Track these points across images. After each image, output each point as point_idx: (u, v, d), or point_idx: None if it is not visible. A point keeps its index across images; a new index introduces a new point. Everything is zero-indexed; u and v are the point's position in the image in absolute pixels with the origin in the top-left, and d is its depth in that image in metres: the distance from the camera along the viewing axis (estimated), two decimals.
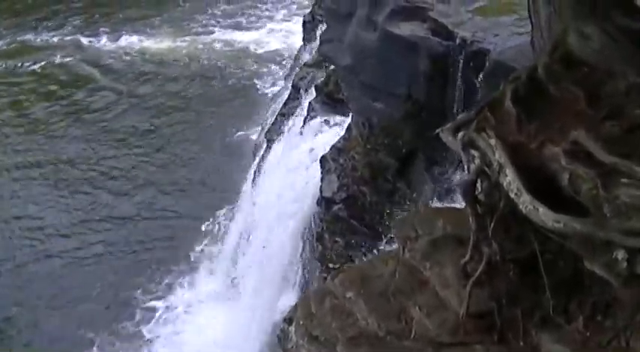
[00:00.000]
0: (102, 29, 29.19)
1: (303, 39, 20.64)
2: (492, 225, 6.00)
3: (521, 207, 5.60)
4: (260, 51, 27.15)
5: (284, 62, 25.01)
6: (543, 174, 5.79)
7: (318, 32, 17.90)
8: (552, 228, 5.40)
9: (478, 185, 6.21)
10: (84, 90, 25.62)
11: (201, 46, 27.60)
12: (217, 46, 27.61)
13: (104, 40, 28.51)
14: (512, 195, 5.71)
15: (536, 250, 5.81)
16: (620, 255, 5.12)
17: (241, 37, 28.08)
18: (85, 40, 28.51)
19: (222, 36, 28.25)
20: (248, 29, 28.68)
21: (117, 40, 28.40)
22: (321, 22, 18.02)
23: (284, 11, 29.57)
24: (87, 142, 23.12)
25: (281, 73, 24.41)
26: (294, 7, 29.45)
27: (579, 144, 5.68)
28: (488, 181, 6.09)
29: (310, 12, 20.53)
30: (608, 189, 5.30)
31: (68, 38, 28.72)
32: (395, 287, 6.44)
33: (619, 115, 5.99)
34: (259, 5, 30.33)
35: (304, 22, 20.77)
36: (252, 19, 29.39)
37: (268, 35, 28.13)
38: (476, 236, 6.08)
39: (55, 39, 28.69)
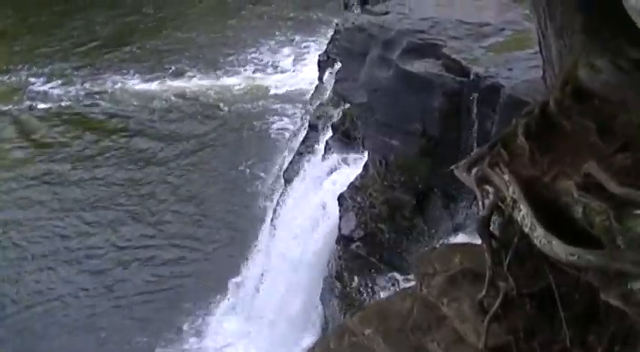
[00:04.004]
0: (123, 70, 29.44)
1: (319, 78, 20.76)
2: (508, 259, 6.03)
3: (535, 241, 5.62)
4: (276, 91, 27.36)
5: (300, 101, 25.10)
6: (557, 207, 5.82)
7: (333, 71, 18.02)
8: (567, 261, 5.42)
9: (493, 220, 6.24)
10: (98, 132, 25.81)
11: (224, 87, 27.77)
12: (234, 86, 27.81)
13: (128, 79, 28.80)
14: (526, 230, 5.74)
15: (552, 283, 5.83)
16: (635, 285, 5.13)
17: (257, 78, 28.28)
18: (114, 82, 28.77)
19: (245, 77, 28.45)
20: (264, 70, 28.88)
21: (126, 80, 28.68)
22: (335, 61, 18.13)
23: (299, 51, 29.74)
24: (105, 182, 23.25)
25: (297, 113, 24.50)
26: (309, 46, 29.65)
27: (591, 176, 5.71)
28: (502, 216, 6.12)
29: (325, 51, 20.66)
30: (621, 220, 5.31)
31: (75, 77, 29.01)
32: (413, 323, 6.45)
33: (631, 147, 6.02)
34: (274, 46, 30.53)
35: (319, 62, 20.89)
36: (268, 59, 29.58)
37: (284, 75, 28.33)
38: (492, 271, 6.11)
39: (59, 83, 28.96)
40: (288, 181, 18.76)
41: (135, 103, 27.24)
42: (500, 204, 6.11)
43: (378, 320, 6.60)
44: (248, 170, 23.00)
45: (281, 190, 19.22)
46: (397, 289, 11.83)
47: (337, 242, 14.84)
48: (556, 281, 5.86)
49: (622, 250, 5.28)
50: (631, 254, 5.19)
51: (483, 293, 6.15)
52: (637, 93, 6.37)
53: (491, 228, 6.22)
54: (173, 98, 27.36)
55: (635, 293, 5.15)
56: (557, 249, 5.44)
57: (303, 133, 19.80)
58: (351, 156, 15.95)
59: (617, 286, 5.27)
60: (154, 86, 28.31)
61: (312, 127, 18.95)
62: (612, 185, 5.56)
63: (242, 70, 29.09)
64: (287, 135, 24.16)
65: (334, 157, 16.38)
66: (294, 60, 29.53)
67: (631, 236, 5.25)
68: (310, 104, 21.40)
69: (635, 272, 5.10)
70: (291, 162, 19.53)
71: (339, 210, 14.89)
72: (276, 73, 28.86)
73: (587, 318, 5.88)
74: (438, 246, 11.35)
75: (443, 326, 6.35)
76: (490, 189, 6.24)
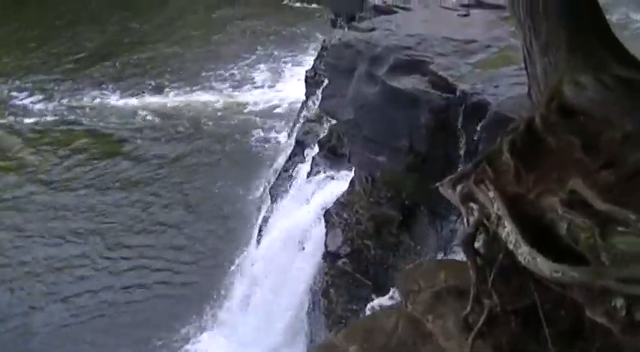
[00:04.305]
0: (103, 85, 29.40)
1: (306, 94, 20.77)
2: (492, 276, 6.03)
3: (519, 258, 5.63)
4: (253, 107, 27.35)
5: (277, 117, 25.17)
6: (542, 224, 5.82)
7: (320, 88, 18.03)
8: (551, 277, 5.42)
9: (478, 237, 6.24)
10: (76, 150, 25.72)
11: (202, 104, 27.76)
12: (212, 102, 27.83)
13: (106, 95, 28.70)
14: (511, 247, 5.74)
15: (537, 300, 5.82)
16: (619, 302, 5.12)
17: (244, 94, 28.29)
18: (93, 97, 28.70)
19: (223, 93, 28.45)
20: (250, 86, 28.92)
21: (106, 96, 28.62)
22: (322, 77, 18.14)
23: (277, 66, 29.80)
24: (88, 194, 23.14)
25: (275, 129, 24.56)
26: (288, 62, 29.72)
27: (576, 193, 5.71)
28: (487, 233, 6.12)
29: (312, 68, 20.68)
30: (606, 237, 5.32)
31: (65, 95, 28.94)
32: (398, 339, 6.44)
33: (616, 164, 6.03)
34: (254, 61, 30.60)
35: (306, 78, 20.91)
36: (255, 75, 29.61)
37: (271, 91, 28.34)
38: (476, 288, 6.10)
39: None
40: (274, 197, 18.77)
41: (113, 119, 27.14)
42: (485, 221, 6.11)
43: (363, 336, 6.59)
44: (230, 187, 22.90)
45: (267, 206, 19.22)
46: (382, 306, 11.78)
47: (323, 258, 14.82)
48: (541, 298, 5.85)
49: (606, 267, 5.28)
50: (615, 271, 5.19)
51: (468, 309, 6.15)
52: (621, 110, 6.39)
53: (476, 245, 6.22)
54: (150, 115, 27.23)
55: (620, 310, 5.14)
56: (542, 265, 5.44)
57: (290, 149, 19.82)
58: (338, 172, 15.97)
59: (602, 303, 5.26)
60: (133, 102, 28.25)
61: (299, 143, 18.96)
62: (597, 202, 5.57)
63: (220, 85, 29.08)
64: (266, 151, 24.17)
65: (321, 173, 16.40)
66: (272, 75, 29.53)
67: (615, 253, 5.26)
68: (297, 120, 21.43)
69: (620, 289, 5.09)
70: (277, 179, 19.53)
71: (326, 227, 14.88)
72: (254, 88, 28.84)
73: (572, 335, 5.88)
74: (423, 262, 11.34)
75: (428, 342, 6.34)
76: (475, 206, 6.24)
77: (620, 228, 5.34)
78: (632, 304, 5.08)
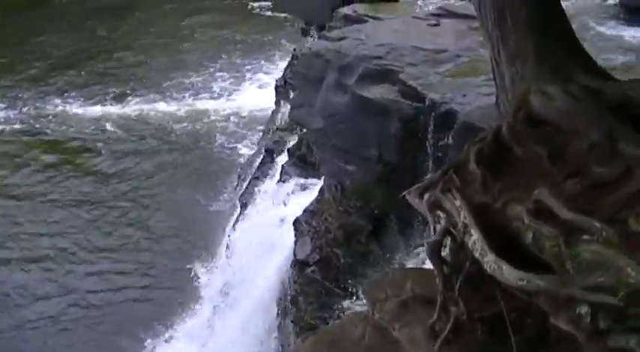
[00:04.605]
0: (67, 94, 29.27)
1: (276, 103, 20.78)
2: (459, 284, 6.07)
3: (486, 266, 5.67)
4: (224, 116, 27.24)
5: (257, 126, 25.05)
6: (508, 233, 5.87)
7: (290, 96, 18.05)
8: (517, 286, 5.47)
9: (445, 245, 6.28)
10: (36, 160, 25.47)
11: (164, 112, 27.64)
12: (181, 112, 27.67)
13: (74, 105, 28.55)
14: (477, 255, 5.79)
15: (503, 308, 5.86)
16: (584, 310, 5.17)
17: (205, 103, 28.21)
18: (55, 105, 28.54)
19: (185, 102, 28.36)
20: (212, 94, 28.83)
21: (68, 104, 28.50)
22: (292, 86, 18.17)
23: (257, 76, 29.74)
24: (46, 204, 22.97)
25: (254, 137, 24.48)
26: (261, 72, 29.71)
27: (542, 202, 5.76)
28: (454, 242, 6.17)
29: (282, 76, 20.69)
30: (571, 246, 5.37)
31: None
32: (365, 348, 6.47)
33: (582, 173, 6.09)
34: (224, 71, 30.53)
35: (276, 87, 20.92)
36: (217, 84, 29.54)
37: (233, 100, 28.27)
38: (443, 296, 6.14)
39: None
40: (243, 206, 18.76)
41: (74, 128, 26.78)
42: (451, 229, 6.16)
43: (330, 344, 6.61)
44: (195, 196, 22.75)
45: (237, 215, 19.20)
46: (350, 314, 11.80)
47: (292, 266, 14.82)
48: (507, 306, 5.89)
49: (571, 275, 5.33)
50: (580, 279, 5.24)
51: (435, 317, 6.18)
52: (587, 120, 6.45)
53: (443, 254, 6.26)
54: (112, 124, 26.72)
55: (584, 318, 5.19)
56: (508, 274, 5.49)
57: (260, 158, 19.82)
58: (307, 181, 15.98)
59: (567, 311, 5.31)
60: (95, 110, 27.86)
61: (269, 152, 18.97)
62: (562, 211, 5.62)
63: (182, 94, 28.70)
64: (230, 159, 24.08)
65: (290, 182, 16.41)
66: (235, 84, 29.41)
67: (580, 261, 5.31)
68: (267, 129, 21.43)
69: (584, 297, 5.14)
70: (247, 187, 19.52)
71: (295, 235, 14.88)
72: (215, 97, 28.65)
73: (538, 343, 5.92)
74: (390, 271, 11.37)
75: (394, 350, 6.37)
76: (442, 214, 6.29)
77: (585, 237, 5.39)
78: (597, 312, 5.12)
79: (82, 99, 28.67)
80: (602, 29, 15.50)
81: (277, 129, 19.41)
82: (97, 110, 27.95)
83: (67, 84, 29.95)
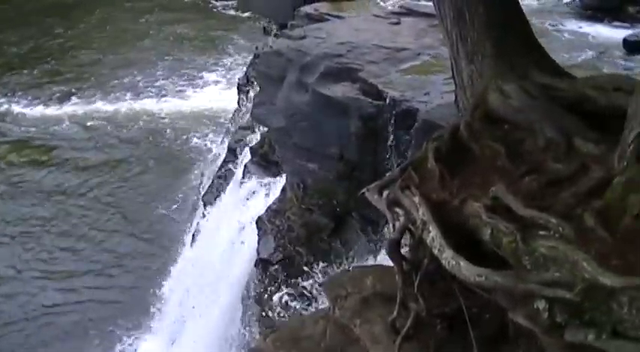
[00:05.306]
0: (17, 93, 29.01)
1: (238, 101, 20.76)
2: (418, 281, 6.12)
3: (444, 262, 5.72)
4: (196, 113, 27.09)
5: (220, 124, 24.97)
6: (466, 229, 5.93)
7: (252, 95, 18.04)
8: (475, 281, 5.51)
9: (404, 242, 6.33)
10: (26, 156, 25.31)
11: (137, 109, 27.47)
12: (158, 108, 27.50)
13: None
14: (435, 251, 5.84)
15: (462, 304, 5.92)
16: (541, 305, 5.23)
17: (182, 100, 28.07)
18: (21, 104, 28.33)
19: (162, 99, 28.19)
20: (183, 91, 28.67)
21: (54, 104, 28.21)
22: (254, 84, 18.16)
23: (217, 74, 29.65)
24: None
25: (217, 136, 24.40)
26: (229, 70, 29.58)
27: (499, 199, 5.82)
28: (412, 238, 6.22)
29: (245, 75, 20.67)
30: (527, 241, 5.43)
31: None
32: (325, 345, 6.50)
33: (538, 170, 6.16)
34: (199, 68, 30.37)
35: (239, 85, 20.88)
36: (188, 81, 29.40)
37: (209, 98, 28.13)
38: (403, 292, 6.19)
39: None
40: (207, 204, 18.73)
41: (15, 129, 26.66)
42: (410, 226, 6.20)
43: (291, 342, 6.64)
44: (155, 195, 22.64)
45: (200, 213, 19.18)
46: (312, 311, 11.84)
47: (256, 265, 14.82)
48: (466, 302, 5.95)
49: (528, 270, 5.39)
50: (536, 274, 5.30)
51: (395, 314, 6.23)
52: (543, 117, 6.52)
53: (402, 251, 6.30)
54: (65, 124, 26.49)
55: (542, 313, 5.24)
56: (466, 270, 5.54)
57: (222, 156, 19.79)
58: (270, 179, 15.98)
59: (524, 306, 5.37)
60: (42, 110, 27.61)
61: (231, 150, 18.94)
62: (519, 207, 5.68)
63: (133, 92, 28.31)
64: (189, 158, 24.00)
65: (253, 181, 16.39)
66: (194, 82, 29.27)
67: (536, 257, 5.37)
68: (229, 128, 21.40)
69: (541, 291, 5.20)
70: (210, 186, 19.49)
71: (258, 234, 14.88)
72: (175, 95, 28.50)
73: (497, 338, 5.98)
74: (350, 268, 11.41)
75: (355, 348, 6.41)
76: (401, 211, 6.33)
77: (541, 233, 5.46)
78: (554, 306, 5.18)
79: (30, 98, 28.31)
80: (563, 27, 15.62)
81: (239, 127, 19.37)
82: (45, 110, 27.62)
83: (18, 83, 29.58)
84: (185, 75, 29.79)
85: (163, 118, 26.77)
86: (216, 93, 27.66)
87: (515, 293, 5.39)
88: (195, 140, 25.16)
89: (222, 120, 25.10)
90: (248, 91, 19.47)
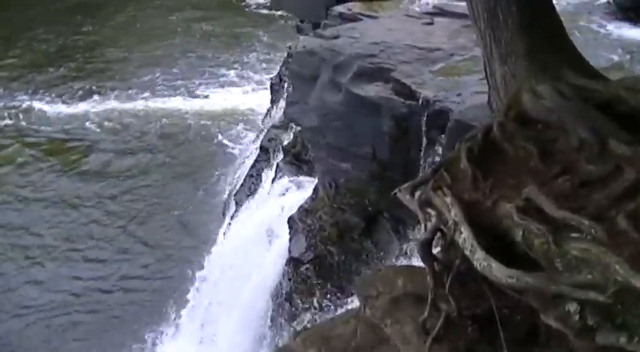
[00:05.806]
0: (44, 91, 28.94)
1: (271, 101, 20.77)
2: (449, 281, 6.10)
3: (475, 263, 5.70)
4: (230, 112, 27.05)
5: (253, 124, 24.96)
6: (498, 230, 5.92)
7: (285, 94, 18.04)
8: (506, 283, 5.50)
9: (436, 243, 6.32)
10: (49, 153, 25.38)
11: (168, 108, 27.47)
12: (185, 107, 27.48)
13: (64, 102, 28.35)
14: (467, 252, 5.82)
15: (493, 305, 5.90)
16: (572, 307, 5.21)
17: (210, 99, 28.03)
18: (44, 101, 28.36)
19: (189, 97, 28.17)
20: (217, 91, 28.64)
21: (79, 102, 28.20)
22: (287, 84, 18.16)
23: (253, 73, 29.63)
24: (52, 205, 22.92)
25: (250, 135, 24.40)
26: (264, 69, 29.54)
27: (531, 200, 5.81)
28: (444, 239, 6.20)
29: (277, 74, 20.69)
30: (559, 243, 5.41)
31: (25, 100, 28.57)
32: (356, 344, 6.49)
33: (571, 171, 6.13)
34: (227, 67, 30.36)
35: (271, 84, 20.91)
36: (221, 80, 29.39)
37: (238, 97, 28.11)
38: (434, 293, 6.17)
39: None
40: (238, 203, 18.76)
41: (49, 126, 26.48)
42: (442, 227, 6.19)
43: (321, 341, 6.63)
44: (188, 194, 22.56)
45: (232, 212, 19.20)
46: (342, 311, 11.84)
47: (287, 264, 14.85)
48: (497, 304, 5.93)
49: (560, 272, 5.37)
50: (568, 276, 5.28)
51: (425, 315, 6.21)
52: (577, 118, 6.50)
53: (433, 251, 6.29)
54: (92, 123, 26.22)
55: (573, 315, 5.23)
56: (497, 271, 5.52)
57: (255, 156, 19.81)
58: (302, 178, 16.00)
59: (556, 308, 5.35)
60: (68, 108, 27.53)
61: (263, 150, 18.96)
62: (552, 209, 5.66)
63: (164, 91, 28.05)
64: (221, 157, 23.97)
65: (285, 180, 16.42)
66: (227, 81, 29.20)
67: (568, 258, 5.35)
68: (262, 126, 21.41)
69: (572, 294, 5.18)
70: (242, 185, 19.52)
71: (289, 233, 14.91)
72: (207, 95, 28.36)
73: (527, 340, 5.95)
74: (381, 268, 11.40)
75: (385, 347, 6.40)
76: (432, 212, 6.32)
77: (573, 234, 5.44)
78: (585, 309, 5.16)
79: (53, 96, 28.32)
80: (597, 28, 15.54)
81: (272, 126, 19.39)
82: (75, 107, 27.67)
83: (46, 81, 29.57)
84: (209, 73, 29.65)
85: (195, 117, 26.71)
86: (251, 93, 27.60)
87: (547, 295, 5.37)
88: (229, 139, 25.12)
89: (247, 118, 25.15)
90: (281, 90, 19.47)
